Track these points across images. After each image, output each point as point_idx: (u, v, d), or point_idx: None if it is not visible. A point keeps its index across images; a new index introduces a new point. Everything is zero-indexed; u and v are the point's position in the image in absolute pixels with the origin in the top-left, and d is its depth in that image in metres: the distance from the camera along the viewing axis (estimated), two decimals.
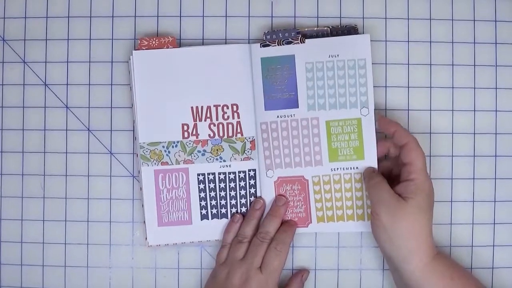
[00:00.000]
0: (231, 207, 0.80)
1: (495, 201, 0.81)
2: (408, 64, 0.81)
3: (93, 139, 0.82)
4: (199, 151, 0.79)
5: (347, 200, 0.78)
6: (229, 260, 0.78)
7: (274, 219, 0.78)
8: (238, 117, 0.79)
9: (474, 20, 0.81)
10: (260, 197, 0.80)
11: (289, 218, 0.80)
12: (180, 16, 0.82)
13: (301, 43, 0.77)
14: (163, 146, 0.79)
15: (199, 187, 0.79)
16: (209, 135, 0.79)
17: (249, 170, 0.79)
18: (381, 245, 0.73)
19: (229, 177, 0.79)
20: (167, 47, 0.79)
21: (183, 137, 0.79)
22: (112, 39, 0.82)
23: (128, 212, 0.82)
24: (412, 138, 0.73)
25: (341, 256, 0.81)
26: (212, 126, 0.79)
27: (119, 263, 0.82)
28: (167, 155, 0.79)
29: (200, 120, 0.79)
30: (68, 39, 0.82)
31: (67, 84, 0.82)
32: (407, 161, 0.73)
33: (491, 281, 0.81)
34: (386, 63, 0.81)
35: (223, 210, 0.80)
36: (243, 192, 0.80)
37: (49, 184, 0.82)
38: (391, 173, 0.78)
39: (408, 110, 0.81)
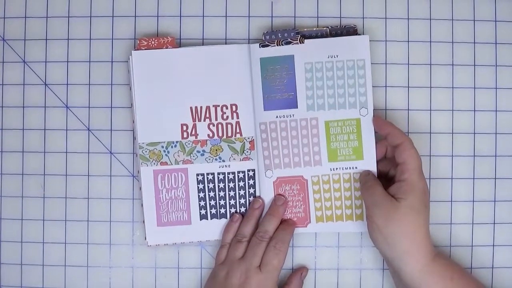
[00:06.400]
0: (230, 207, 0.80)
1: (495, 201, 0.81)
2: (408, 64, 0.81)
3: (93, 139, 0.82)
4: (198, 151, 0.79)
5: (346, 200, 0.79)
6: (228, 259, 0.78)
7: (273, 219, 0.78)
8: (237, 117, 0.79)
9: (474, 20, 0.81)
10: (259, 196, 0.80)
11: (288, 218, 0.80)
12: (180, 16, 0.82)
13: (300, 43, 0.77)
14: (162, 146, 0.79)
15: (198, 187, 0.79)
16: (208, 135, 0.79)
17: (248, 170, 0.79)
18: (378, 247, 0.73)
19: (228, 177, 0.79)
20: (166, 47, 0.79)
21: (182, 137, 0.79)
22: (112, 39, 0.82)
23: (128, 212, 0.82)
24: (406, 139, 0.73)
25: (341, 256, 0.81)
26: (211, 126, 0.79)
27: (119, 263, 0.82)
28: (166, 155, 0.79)
29: (199, 120, 0.79)
30: (68, 39, 0.82)
31: (67, 84, 0.82)
32: (401, 161, 0.72)
33: (491, 281, 0.81)
34: (386, 63, 0.81)
35: (222, 210, 0.80)
36: (242, 192, 0.80)
37: (49, 184, 0.82)
38: (389, 174, 0.78)
39: (408, 110, 0.81)
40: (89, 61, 0.82)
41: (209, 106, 0.79)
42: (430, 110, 0.81)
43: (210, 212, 0.80)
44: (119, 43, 0.82)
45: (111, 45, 0.82)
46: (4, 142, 0.82)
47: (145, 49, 0.79)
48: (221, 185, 0.80)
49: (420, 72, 0.81)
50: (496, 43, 0.81)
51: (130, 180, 0.82)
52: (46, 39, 0.82)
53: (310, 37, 0.79)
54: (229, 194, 0.80)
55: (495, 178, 0.81)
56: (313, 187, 0.79)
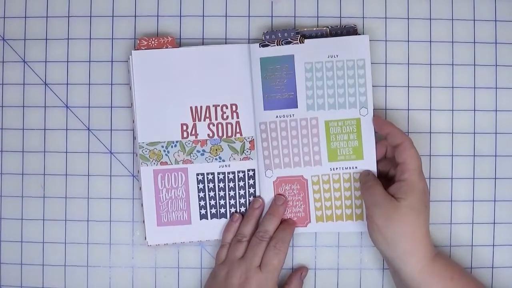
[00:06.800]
0: (230, 207, 0.80)
1: (495, 201, 0.81)
2: (408, 64, 0.81)
3: (93, 138, 0.82)
4: (198, 151, 0.79)
5: (346, 200, 0.78)
6: (228, 259, 0.78)
7: (273, 218, 0.78)
8: (237, 117, 0.79)
9: (474, 20, 0.81)
10: (259, 196, 0.80)
11: (288, 218, 0.80)
12: (180, 16, 0.82)
13: (300, 43, 0.77)
14: (162, 146, 0.79)
15: (198, 187, 0.79)
16: (208, 135, 0.79)
17: (248, 170, 0.79)
18: (378, 247, 0.73)
19: (228, 177, 0.79)
20: (166, 47, 0.79)
21: (182, 137, 0.79)
22: (112, 38, 0.82)
23: (128, 212, 0.82)
24: (406, 138, 0.73)
25: (341, 256, 0.81)
26: (211, 126, 0.79)
27: (119, 263, 0.82)
28: (166, 155, 0.79)
29: (199, 120, 0.79)
30: (68, 39, 0.82)
31: (67, 84, 0.82)
32: (401, 161, 0.72)
33: (491, 281, 0.81)
34: (386, 63, 0.81)
35: (222, 210, 0.80)
36: (242, 192, 0.80)
37: (49, 184, 0.82)
38: (389, 173, 0.78)
39: (408, 110, 0.81)
40: (89, 61, 0.82)
41: (209, 106, 0.79)
42: (430, 110, 0.81)
43: (210, 212, 0.80)
44: (119, 43, 0.82)
45: (111, 45, 0.82)
46: (4, 142, 0.82)
47: (145, 49, 0.79)
48: (221, 185, 0.80)
49: (420, 72, 0.81)
50: (496, 43, 0.81)
51: (130, 180, 0.82)
52: (46, 39, 0.82)
53: (310, 37, 0.79)
54: (229, 194, 0.80)
55: (495, 178, 0.81)
56: (313, 187, 0.79)
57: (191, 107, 0.79)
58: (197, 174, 0.79)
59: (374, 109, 0.77)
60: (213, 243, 0.82)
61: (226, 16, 0.82)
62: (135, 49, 0.79)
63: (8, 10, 0.82)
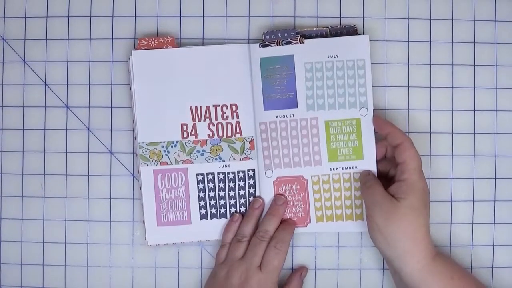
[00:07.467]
0: (230, 207, 0.80)
1: (495, 201, 0.81)
2: (408, 64, 0.81)
3: (93, 138, 0.82)
4: (198, 151, 0.79)
5: (346, 200, 0.78)
6: (228, 259, 0.78)
7: (273, 218, 0.78)
8: (237, 117, 0.79)
9: (474, 20, 0.81)
10: (259, 196, 0.80)
11: (288, 218, 0.80)
12: (180, 16, 0.82)
13: (300, 43, 0.77)
14: (162, 146, 0.79)
15: (198, 187, 0.79)
16: (208, 135, 0.79)
17: (248, 170, 0.79)
18: (378, 247, 0.73)
19: (228, 177, 0.79)
20: (166, 47, 0.79)
21: (182, 137, 0.79)
22: (112, 38, 0.82)
23: (128, 212, 0.82)
24: (406, 138, 0.73)
25: (341, 256, 0.81)
26: (211, 126, 0.79)
27: (119, 263, 0.82)
28: (166, 155, 0.79)
29: (199, 120, 0.79)
30: (68, 39, 0.82)
31: (67, 84, 0.82)
32: (401, 161, 0.72)
33: (491, 281, 0.81)
34: (386, 63, 0.81)
35: (222, 210, 0.80)
36: (242, 192, 0.80)
37: (49, 184, 0.82)
38: (389, 173, 0.78)
39: (408, 110, 0.81)
40: (89, 61, 0.82)
41: (209, 106, 0.79)
42: (430, 110, 0.81)
43: (210, 212, 0.80)
44: (119, 43, 0.82)
45: (111, 45, 0.82)
46: (4, 142, 0.82)
47: (145, 49, 0.79)
48: (221, 185, 0.79)
49: (420, 72, 0.81)
50: (496, 43, 0.81)
51: (130, 180, 0.82)
52: (46, 39, 0.82)
53: (310, 37, 0.79)
54: (229, 194, 0.80)
55: (495, 178, 0.81)
56: (313, 187, 0.79)
57: (191, 107, 0.79)
58: (197, 174, 0.79)
59: (374, 109, 0.77)
60: (213, 243, 0.82)
61: (226, 16, 0.82)
62: (135, 49, 0.79)
63: (8, 10, 0.82)
